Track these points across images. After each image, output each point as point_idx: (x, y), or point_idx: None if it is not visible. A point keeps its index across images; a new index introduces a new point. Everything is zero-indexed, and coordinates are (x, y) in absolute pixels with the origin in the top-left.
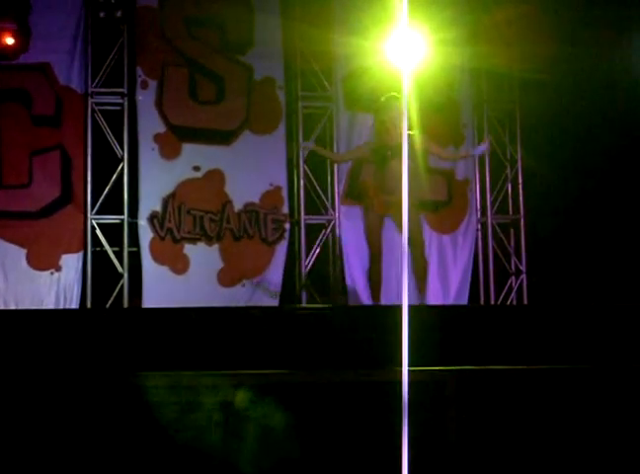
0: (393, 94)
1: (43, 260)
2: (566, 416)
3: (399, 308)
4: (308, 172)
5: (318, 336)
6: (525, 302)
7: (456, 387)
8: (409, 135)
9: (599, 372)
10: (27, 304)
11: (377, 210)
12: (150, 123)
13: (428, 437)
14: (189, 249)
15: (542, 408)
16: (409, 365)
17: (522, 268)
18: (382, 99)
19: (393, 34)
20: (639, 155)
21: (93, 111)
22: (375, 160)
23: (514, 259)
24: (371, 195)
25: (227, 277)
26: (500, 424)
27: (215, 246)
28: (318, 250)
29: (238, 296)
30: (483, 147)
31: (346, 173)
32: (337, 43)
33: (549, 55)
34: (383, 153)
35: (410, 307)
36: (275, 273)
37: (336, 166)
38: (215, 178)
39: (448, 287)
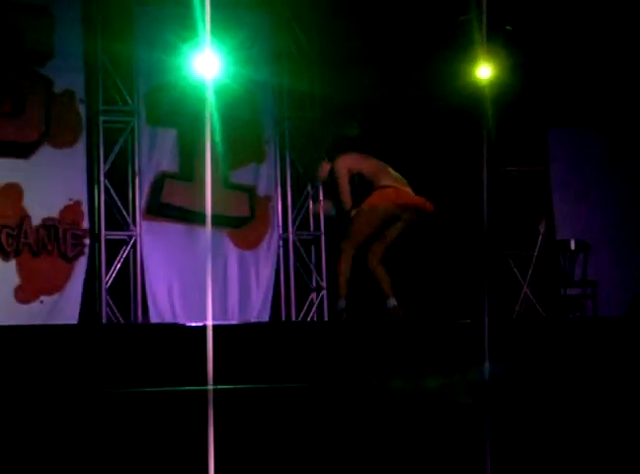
0: None
1: None
2: (345, 432)
3: (202, 327)
4: (109, 186)
5: (119, 354)
6: (326, 318)
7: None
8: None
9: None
10: None
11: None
12: None
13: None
14: None
15: (314, 424)
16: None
17: (323, 284)
18: None
19: (196, 50)
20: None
21: None
22: None
23: (315, 275)
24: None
25: (24, 294)
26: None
27: (12, 261)
28: (119, 266)
29: (35, 314)
30: None
31: (147, 188)
32: (139, 58)
33: (352, 76)
34: None
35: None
36: (74, 289)
37: (137, 180)
38: (13, 192)
39: (251, 304)
